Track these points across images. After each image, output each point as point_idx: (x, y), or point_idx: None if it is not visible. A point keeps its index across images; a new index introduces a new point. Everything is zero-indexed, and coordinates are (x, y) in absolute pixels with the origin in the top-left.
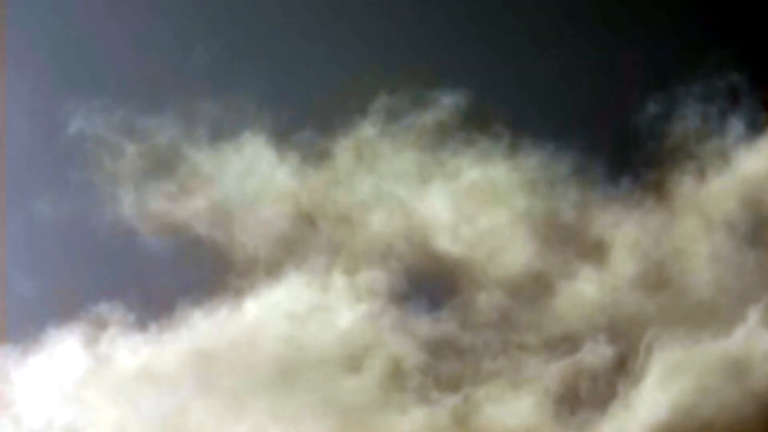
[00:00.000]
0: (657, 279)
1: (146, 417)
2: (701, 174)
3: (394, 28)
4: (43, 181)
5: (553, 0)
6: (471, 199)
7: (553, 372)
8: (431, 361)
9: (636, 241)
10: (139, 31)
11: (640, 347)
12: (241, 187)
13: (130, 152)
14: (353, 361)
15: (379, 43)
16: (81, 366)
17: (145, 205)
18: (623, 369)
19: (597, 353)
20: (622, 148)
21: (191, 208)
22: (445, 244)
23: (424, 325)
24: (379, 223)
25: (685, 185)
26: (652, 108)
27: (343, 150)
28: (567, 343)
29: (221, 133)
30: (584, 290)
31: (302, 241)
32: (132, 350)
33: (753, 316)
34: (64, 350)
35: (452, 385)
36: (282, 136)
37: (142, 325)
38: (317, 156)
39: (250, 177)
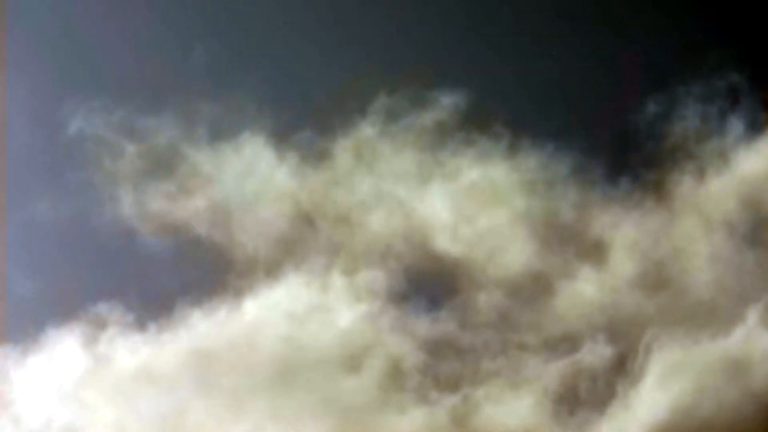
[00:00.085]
0: (656, 279)
1: (145, 417)
2: (701, 174)
3: (393, 28)
4: (42, 182)
5: (553, 1)
6: (470, 200)
7: (552, 372)
8: (430, 361)
9: (635, 241)
10: (139, 31)
11: (639, 347)
12: (240, 188)
13: (129, 152)
14: (352, 361)
15: (379, 43)
16: (80, 366)
17: (145, 206)
18: (622, 369)
19: (596, 353)
20: (621, 149)
21: (191, 209)
22: (445, 244)
23: (424, 325)
24: (379, 223)
25: (684, 185)
26: (651, 108)
27: (343, 150)
28: (566, 343)
29: (221, 133)
30: (583, 290)
31: (301, 242)
32: (131, 350)
33: (752, 316)
34: (64, 350)
35: (451, 385)
36: (281, 137)
37: (141, 325)
38: (317, 156)
39: (249, 177)
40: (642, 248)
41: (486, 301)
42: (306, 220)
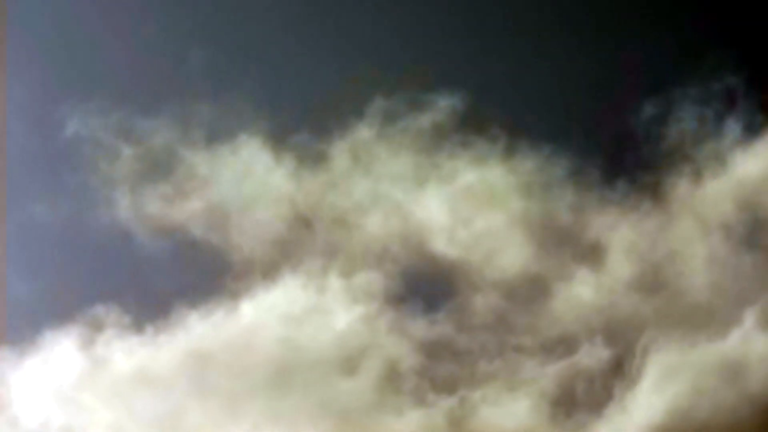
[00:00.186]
0: (653, 281)
1: (142, 419)
2: (698, 177)
3: (390, 30)
4: (39, 184)
5: (550, 3)
6: (467, 202)
7: (549, 374)
8: (427, 363)
9: (632, 243)
10: (136, 34)
11: (636, 350)
12: (237, 190)
13: (126, 154)
14: (349, 363)
15: (376, 45)
16: (77, 368)
17: (142, 208)
18: (619, 371)
19: (593, 355)
20: (618, 151)
21: (188, 211)
22: (442, 246)
23: (421, 327)
24: (376, 225)
25: (681, 188)
26: (648, 110)
27: (340, 152)
28: (563, 345)
29: (217, 135)
30: (580, 293)
31: (298, 244)
32: (128, 352)
33: (749, 318)
34: (61, 352)
35: (448, 387)
36: (278, 139)
37: (138, 327)
38: (313, 158)
39: (246, 179)
40: (639, 251)
41: (483, 303)
42: (303, 222)
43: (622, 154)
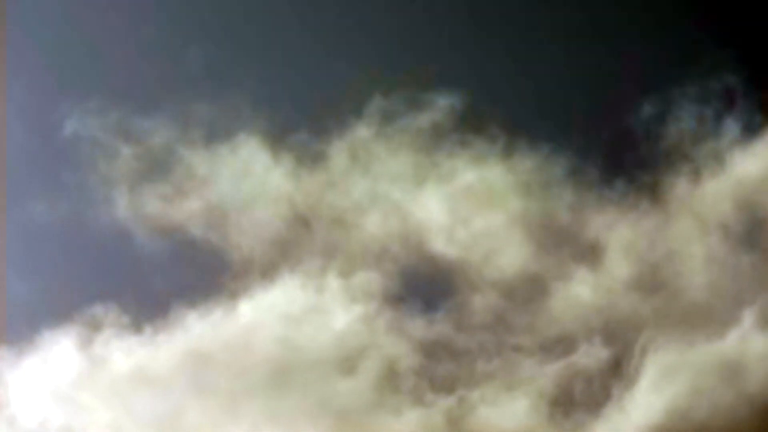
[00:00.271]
0: (652, 281)
1: (141, 418)
2: (696, 176)
3: (389, 30)
4: (39, 184)
5: (549, 3)
6: (466, 201)
7: (547, 374)
8: (426, 362)
9: (631, 243)
10: (135, 34)
11: (634, 349)
12: (236, 189)
13: (125, 154)
14: (348, 363)
15: (375, 45)
16: (76, 367)
17: (141, 207)
18: (618, 371)
19: (592, 355)
20: (617, 150)
21: (186, 210)
22: (441, 246)
23: (419, 327)
24: (374, 225)
25: (679, 187)
26: (647, 110)
27: (338, 152)
28: (562, 345)
29: (216, 134)
30: (579, 292)
31: (297, 243)
32: (126, 352)
33: (747, 318)
34: (59, 352)
35: (447, 386)
36: (277, 138)
37: (136, 326)
38: (312, 158)
39: (245, 179)
40: (637, 250)
41: (482, 302)
42: (301, 222)
43: (620, 154)
